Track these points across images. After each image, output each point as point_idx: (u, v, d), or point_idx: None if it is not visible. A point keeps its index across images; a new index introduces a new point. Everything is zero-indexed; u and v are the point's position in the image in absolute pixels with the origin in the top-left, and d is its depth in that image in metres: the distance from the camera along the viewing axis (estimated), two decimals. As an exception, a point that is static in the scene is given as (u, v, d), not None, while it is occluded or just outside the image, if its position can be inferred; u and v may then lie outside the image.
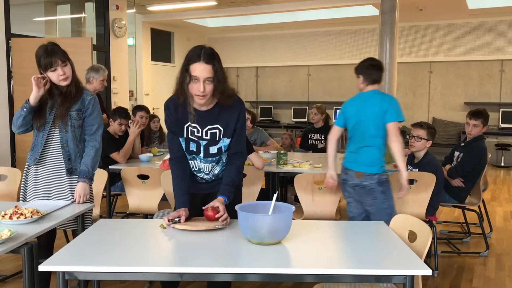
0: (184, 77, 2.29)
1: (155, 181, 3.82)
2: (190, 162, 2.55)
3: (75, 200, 2.84)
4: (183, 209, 2.39)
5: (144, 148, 5.09)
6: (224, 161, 2.56)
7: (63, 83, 2.78)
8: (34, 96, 2.72)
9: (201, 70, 2.24)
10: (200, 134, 2.45)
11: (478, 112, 4.27)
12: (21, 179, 3.51)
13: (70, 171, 2.88)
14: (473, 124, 4.21)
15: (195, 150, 2.49)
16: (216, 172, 2.57)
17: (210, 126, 2.44)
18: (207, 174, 2.56)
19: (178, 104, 2.41)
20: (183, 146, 2.50)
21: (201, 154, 2.49)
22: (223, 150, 2.50)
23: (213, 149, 2.48)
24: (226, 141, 2.48)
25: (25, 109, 2.75)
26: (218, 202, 2.36)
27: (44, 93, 2.76)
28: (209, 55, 2.25)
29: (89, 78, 5.08)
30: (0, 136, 6.36)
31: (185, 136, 2.47)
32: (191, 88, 2.28)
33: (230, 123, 2.44)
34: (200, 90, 2.25)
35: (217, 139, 2.46)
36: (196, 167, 2.55)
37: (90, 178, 2.87)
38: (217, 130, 2.44)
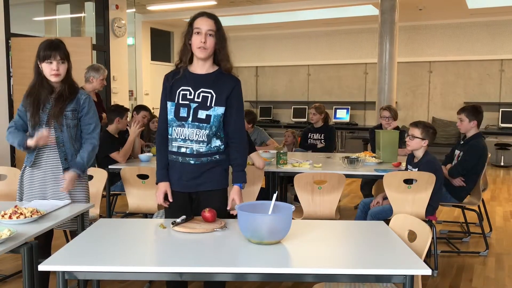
0: (188, 32, 2.46)
1: (154, 181, 3.79)
2: (178, 129, 2.50)
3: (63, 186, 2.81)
4: (164, 186, 2.56)
5: (143, 144, 5.08)
6: (212, 146, 2.51)
7: (53, 79, 2.79)
8: (33, 144, 2.74)
9: (203, 22, 2.43)
10: (192, 97, 2.48)
11: (463, 107, 4.34)
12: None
13: (67, 170, 2.88)
14: (458, 118, 4.27)
15: (185, 116, 2.49)
16: (201, 150, 2.49)
17: (203, 89, 2.48)
18: (192, 141, 2.48)
19: (176, 72, 2.54)
20: (173, 113, 2.51)
21: (190, 119, 2.48)
22: (212, 120, 2.47)
23: (201, 114, 2.47)
24: (218, 110, 2.48)
25: (21, 148, 2.80)
26: (234, 194, 2.50)
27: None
28: (212, 14, 2.49)
29: (89, 77, 5.07)
30: (0, 136, 6.36)
31: (176, 101, 2.50)
32: (193, 41, 2.44)
33: (223, 92, 2.49)
34: (202, 41, 2.41)
35: (208, 104, 2.47)
36: (183, 136, 2.50)
37: (82, 171, 2.87)
38: (210, 95, 2.48)
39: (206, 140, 2.50)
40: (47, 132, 2.73)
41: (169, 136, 2.56)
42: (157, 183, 2.59)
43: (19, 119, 2.87)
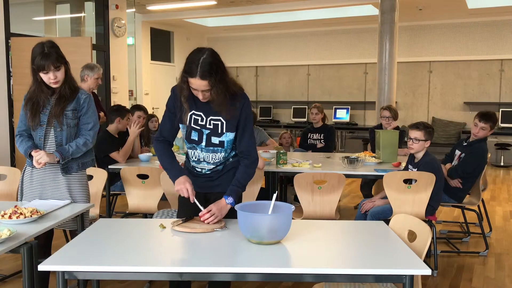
0: (182, 88, 2.33)
1: (154, 181, 3.82)
2: (190, 151, 2.51)
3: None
4: (184, 179, 2.39)
5: (144, 149, 5.09)
6: (227, 164, 2.52)
7: (53, 86, 2.80)
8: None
9: (197, 85, 2.27)
10: (203, 123, 2.44)
11: (489, 116, 4.12)
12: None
13: (65, 170, 2.88)
14: (481, 126, 4.11)
15: (196, 139, 2.46)
16: (219, 168, 2.53)
17: (213, 117, 2.43)
18: (208, 163, 2.50)
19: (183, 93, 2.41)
20: (184, 133, 2.48)
21: (203, 143, 2.46)
22: (226, 145, 2.46)
23: (215, 140, 2.45)
24: (229, 135, 2.45)
25: (26, 156, 2.83)
26: (215, 205, 2.36)
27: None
28: (206, 70, 2.23)
29: (84, 76, 5.07)
30: (0, 135, 6.36)
31: (187, 124, 2.45)
32: (192, 90, 2.34)
33: (232, 117, 2.42)
34: (200, 98, 2.34)
35: (219, 131, 2.44)
36: (196, 157, 2.51)
37: (62, 158, 2.81)
38: (219, 122, 2.43)
39: (223, 161, 2.51)
40: (45, 159, 2.74)
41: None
42: (174, 180, 2.43)
43: (22, 126, 2.89)
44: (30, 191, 2.91)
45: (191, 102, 2.42)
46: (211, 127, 2.44)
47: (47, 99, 2.83)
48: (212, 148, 2.47)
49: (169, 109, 2.49)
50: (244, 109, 2.43)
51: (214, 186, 2.53)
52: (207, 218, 2.32)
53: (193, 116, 2.44)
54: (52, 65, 2.72)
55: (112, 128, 4.59)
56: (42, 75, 2.76)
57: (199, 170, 2.54)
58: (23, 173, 2.95)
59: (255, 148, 2.53)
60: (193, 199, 2.39)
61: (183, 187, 2.39)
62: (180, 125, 2.49)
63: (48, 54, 2.72)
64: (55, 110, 2.81)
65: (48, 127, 2.83)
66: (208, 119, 2.43)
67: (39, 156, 2.72)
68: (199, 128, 2.45)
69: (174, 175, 2.44)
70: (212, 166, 2.52)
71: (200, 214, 2.35)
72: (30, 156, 2.79)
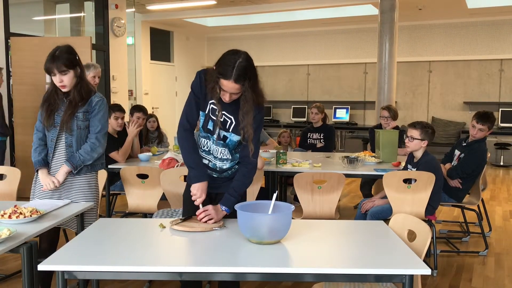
0: (213, 87, 2.30)
1: (154, 181, 3.82)
2: (203, 140, 2.50)
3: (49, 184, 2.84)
4: (203, 186, 2.39)
5: (144, 148, 5.09)
6: (234, 160, 2.52)
7: (62, 89, 2.82)
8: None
9: (229, 87, 2.25)
10: (218, 114, 2.43)
11: (486, 116, 4.10)
12: (20, 179, 3.54)
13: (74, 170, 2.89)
14: (479, 128, 4.10)
15: (211, 129, 2.46)
16: (224, 167, 2.52)
17: (226, 113, 2.41)
18: (215, 158, 2.49)
19: (207, 80, 2.38)
20: (202, 122, 2.46)
21: (215, 135, 2.46)
22: (228, 141, 2.46)
23: (221, 133, 2.45)
24: (234, 137, 2.45)
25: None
26: (212, 207, 2.36)
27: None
28: (241, 74, 2.22)
29: None
30: (-1, 135, 6.35)
31: (206, 112, 2.45)
32: (221, 91, 2.32)
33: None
34: (226, 100, 2.32)
35: (227, 127, 2.43)
36: (207, 148, 2.50)
37: (74, 167, 2.85)
38: (230, 121, 2.43)
39: (230, 157, 2.50)
40: (53, 185, 2.82)
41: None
42: (190, 184, 2.44)
43: (39, 123, 2.94)
44: (41, 192, 2.92)
45: (213, 91, 2.38)
46: (222, 121, 2.43)
47: (62, 100, 2.86)
48: (220, 142, 2.47)
49: (195, 94, 2.43)
50: (257, 117, 2.41)
51: (219, 187, 2.54)
52: (202, 218, 2.33)
53: (211, 105, 2.42)
54: (56, 69, 2.73)
55: (110, 128, 4.59)
56: (52, 76, 2.79)
57: (206, 162, 2.53)
58: (36, 174, 2.97)
59: (257, 157, 2.52)
60: (199, 205, 2.40)
61: (198, 194, 2.40)
62: (201, 113, 2.46)
63: (56, 57, 2.74)
64: (64, 116, 2.83)
65: (61, 128, 2.86)
66: (222, 112, 2.42)
67: (53, 183, 2.82)
68: (214, 118, 2.44)
69: (196, 177, 2.42)
70: (218, 163, 2.51)
71: (197, 212, 2.37)
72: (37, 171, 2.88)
